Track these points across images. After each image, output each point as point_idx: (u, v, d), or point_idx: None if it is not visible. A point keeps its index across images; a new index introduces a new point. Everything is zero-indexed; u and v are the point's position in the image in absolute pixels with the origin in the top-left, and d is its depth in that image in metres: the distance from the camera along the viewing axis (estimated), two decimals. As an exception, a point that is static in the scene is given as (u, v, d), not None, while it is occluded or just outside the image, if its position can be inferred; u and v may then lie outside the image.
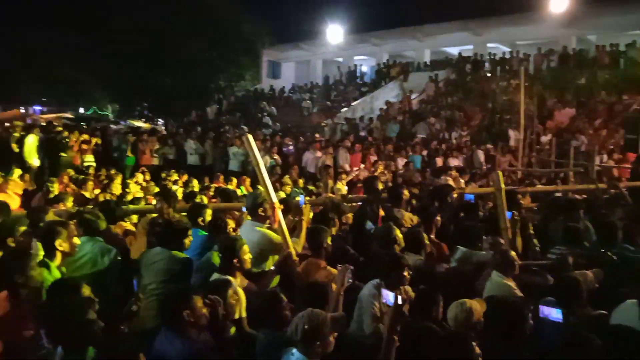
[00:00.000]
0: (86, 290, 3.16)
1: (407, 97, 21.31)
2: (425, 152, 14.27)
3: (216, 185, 9.81)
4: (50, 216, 4.47)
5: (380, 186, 6.61)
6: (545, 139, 14.16)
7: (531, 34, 22.26)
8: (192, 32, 27.55)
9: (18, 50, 34.18)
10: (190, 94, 28.12)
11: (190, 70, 28.18)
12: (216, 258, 4.14)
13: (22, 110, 32.21)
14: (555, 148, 12.73)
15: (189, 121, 23.03)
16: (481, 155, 13.84)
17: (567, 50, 20.05)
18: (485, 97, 18.90)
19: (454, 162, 13.04)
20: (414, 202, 6.77)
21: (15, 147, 12.42)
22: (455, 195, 6.88)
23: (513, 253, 4.31)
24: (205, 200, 7.49)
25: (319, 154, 13.41)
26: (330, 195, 7.07)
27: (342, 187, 10.02)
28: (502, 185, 5.14)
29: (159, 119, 29.30)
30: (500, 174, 5.28)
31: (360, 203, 6.41)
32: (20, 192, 8.96)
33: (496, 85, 19.60)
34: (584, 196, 7.80)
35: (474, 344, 2.77)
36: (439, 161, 13.40)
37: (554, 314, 3.15)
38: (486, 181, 10.75)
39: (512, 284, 4.02)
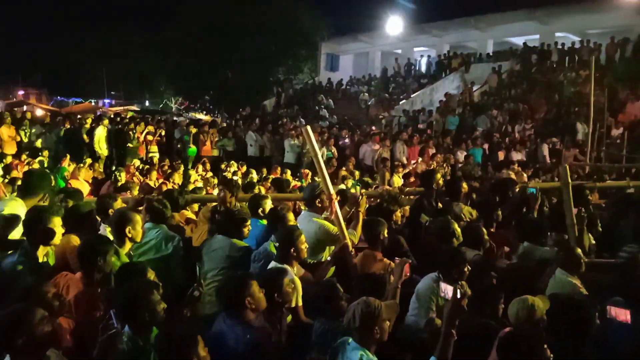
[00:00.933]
0: (151, 275, 3.30)
1: (468, 88, 20.74)
2: (486, 146, 13.88)
3: (273, 176, 9.98)
4: (119, 203, 4.69)
5: (439, 180, 6.49)
6: (616, 132, 13.41)
7: (603, 22, 21.02)
8: (254, 27, 28.05)
9: (90, 47, 36.16)
10: (250, 87, 28.65)
11: (250, 64, 28.70)
12: (272, 248, 4.21)
13: (93, 103, 33.96)
14: (627, 142, 12.01)
15: (248, 114, 23.47)
16: (545, 149, 13.31)
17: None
18: (552, 89, 18.09)
19: (517, 156, 12.61)
20: (474, 196, 6.60)
21: (86, 138, 13.13)
22: (517, 190, 6.65)
23: (579, 250, 4.13)
24: (263, 190, 7.63)
25: (376, 146, 13.33)
26: (387, 187, 7.02)
27: (399, 180, 9.91)
28: (569, 180, 4.92)
29: (220, 112, 30.07)
30: (567, 168, 5.06)
31: (417, 196, 6.32)
32: (90, 180, 9.48)
33: (564, 76, 18.71)
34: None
35: (545, 345, 2.67)
36: (501, 155, 12.99)
37: (622, 315, 3.00)
38: (550, 176, 10.32)
39: (577, 282, 3.86)
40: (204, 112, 32.02)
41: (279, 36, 28.92)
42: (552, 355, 2.65)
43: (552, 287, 3.86)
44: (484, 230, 4.90)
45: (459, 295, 2.82)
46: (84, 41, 36.54)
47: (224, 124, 18.66)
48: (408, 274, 3.74)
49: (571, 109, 16.01)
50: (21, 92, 36.86)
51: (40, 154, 11.88)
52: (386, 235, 4.47)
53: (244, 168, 11.19)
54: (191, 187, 8.83)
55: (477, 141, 13.87)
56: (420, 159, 12.34)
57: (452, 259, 3.80)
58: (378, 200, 6.13)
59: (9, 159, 11.08)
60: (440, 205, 5.81)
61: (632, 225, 5.11)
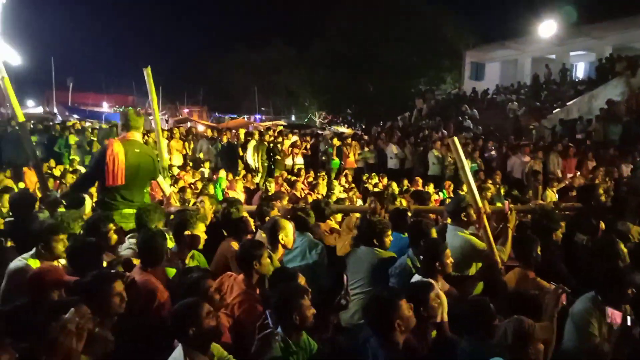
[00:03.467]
0: (302, 280, 3.49)
1: (635, 94, 18.58)
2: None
3: (414, 188, 9.89)
4: (275, 212, 5.03)
5: (601, 195, 5.91)
6: None
7: None
8: (396, 38, 28.24)
9: (245, 65, 39.38)
10: (391, 99, 28.79)
11: (391, 76, 28.88)
12: (409, 262, 4.17)
13: (245, 119, 36.80)
14: None
15: (390, 126, 23.57)
16: None
17: None
18: None
19: (697, 169, 10.98)
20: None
21: (240, 151, 14.26)
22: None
23: None
24: (405, 203, 7.61)
25: (526, 158, 12.53)
26: (541, 202, 6.57)
27: (553, 195, 9.21)
28: None
29: (362, 124, 30.66)
30: None
31: (574, 213, 5.82)
32: (243, 190, 10.27)
33: None
34: None
35: None
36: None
37: None
38: None
39: None
40: (346, 125, 32.89)
41: (421, 46, 28.69)
42: None
43: None
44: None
45: (629, 323, 2.55)
46: (239, 59, 39.92)
47: (366, 137, 18.97)
48: (564, 303, 3.45)
49: None
50: (186, 110, 41.30)
51: (202, 165, 13.19)
52: (539, 253, 4.19)
53: (385, 180, 11.25)
54: (334, 198, 9.12)
55: (646, 152, 12.35)
56: (577, 173, 11.32)
57: (615, 279, 3.42)
58: (529, 216, 5.76)
59: (175, 170, 12.47)
60: (602, 224, 5.28)
61: None
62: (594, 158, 12.16)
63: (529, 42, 26.70)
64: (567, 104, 20.68)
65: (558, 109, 20.38)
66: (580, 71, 25.99)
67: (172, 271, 3.84)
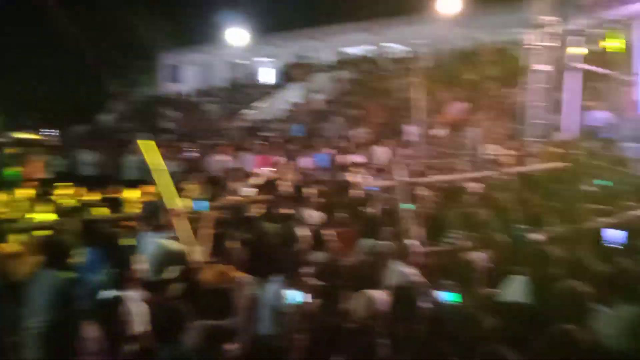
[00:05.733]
0: None
1: (311, 97, 21.55)
2: (330, 151, 14.44)
3: (110, 195, 9.27)
4: None
5: (286, 187, 6.58)
6: (440, 132, 14.89)
7: (426, 33, 23.34)
8: (86, 40, 26.09)
9: None
10: (83, 101, 26.62)
11: (79, 78, 26.79)
12: (103, 276, 3.85)
13: None
14: (450, 140, 13.44)
15: (84, 130, 21.71)
16: (383, 150, 14.26)
17: (458, 48, 21.31)
18: (385, 95, 19.55)
19: (358, 158, 13.30)
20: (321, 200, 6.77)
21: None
22: (357, 190, 7.01)
23: (412, 241, 4.45)
24: (104, 211, 7.03)
25: (224, 157, 13.14)
26: (234, 197, 6.93)
27: (248, 190, 9.85)
28: (403, 178, 5.29)
29: (49, 130, 27.42)
30: (401, 167, 5.45)
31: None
32: None
33: (394, 83, 20.33)
34: (478, 183, 8.24)
35: (378, 337, 2.77)
36: (344, 158, 13.60)
37: (448, 297, 3.28)
38: (390, 176, 11.03)
39: (411, 270, 4.14)
40: (31, 131, 28.90)
41: (114, 48, 27.23)
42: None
43: (389, 278, 4.10)
44: (329, 231, 5.06)
45: (306, 300, 2.84)
46: None
47: (55, 143, 17.02)
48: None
49: (402, 113, 17.41)
50: None
51: None
52: (234, 247, 4.37)
53: (72, 190, 10.20)
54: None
55: (322, 147, 14.38)
56: (266, 168, 12.41)
57: (295, 262, 3.83)
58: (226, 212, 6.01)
59: None
60: (287, 211, 5.86)
61: (459, 215, 5.64)
62: (279, 154, 13.56)
63: (221, 47, 28.22)
64: (258, 105, 22.72)
65: (250, 110, 22.19)
66: (268, 76, 28.79)
67: None
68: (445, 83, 18.53)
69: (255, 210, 6.25)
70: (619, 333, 2.86)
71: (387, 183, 8.86)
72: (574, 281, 3.19)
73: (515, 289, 3.60)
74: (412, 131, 14.55)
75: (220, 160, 13.08)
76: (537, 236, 4.88)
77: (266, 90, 25.04)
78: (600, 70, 10.97)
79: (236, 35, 26.76)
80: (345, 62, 25.21)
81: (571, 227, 5.21)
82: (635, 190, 6.99)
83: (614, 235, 4.48)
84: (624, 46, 9.80)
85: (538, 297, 3.41)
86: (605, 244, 4.63)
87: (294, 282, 3.57)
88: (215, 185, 11.33)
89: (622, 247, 4.48)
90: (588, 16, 10.37)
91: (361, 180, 8.93)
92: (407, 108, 16.94)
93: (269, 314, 3.70)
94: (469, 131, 14.12)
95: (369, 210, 6.18)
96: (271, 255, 4.64)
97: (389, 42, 24.86)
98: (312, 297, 2.92)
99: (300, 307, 2.80)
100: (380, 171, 11.11)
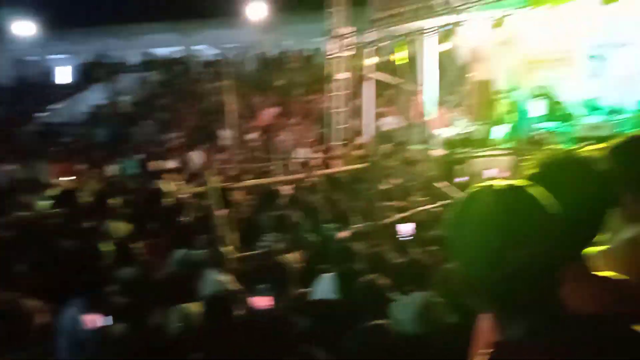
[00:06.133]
0: None
1: (116, 99, 20.12)
2: (140, 156, 13.70)
3: None
4: None
5: (90, 197, 6.00)
6: (253, 136, 15.16)
7: (236, 37, 23.48)
8: None
9: None
10: None
11: None
12: None
13: None
14: (263, 144, 13.76)
15: None
16: (197, 155, 14.00)
17: (268, 54, 21.89)
18: (197, 99, 19.19)
19: (171, 164, 12.85)
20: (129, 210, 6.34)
21: None
22: (171, 198, 6.72)
23: (227, 248, 4.41)
24: None
25: (11, 167, 11.55)
26: (26, 213, 6.11)
27: (44, 204, 8.78)
28: (216, 183, 5.21)
29: None
30: (214, 172, 5.37)
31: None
32: None
33: (206, 87, 20.07)
34: (290, 186, 8.55)
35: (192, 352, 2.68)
36: (155, 164, 13.02)
37: (262, 301, 3.33)
38: (203, 181, 10.85)
39: (227, 278, 4.10)
40: None
41: None
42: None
43: (205, 287, 4.00)
44: (140, 243, 4.75)
45: (107, 322, 2.61)
46: None
47: None
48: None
49: (214, 117, 17.29)
50: None
51: None
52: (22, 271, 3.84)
53: None
54: None
55: (130, 152, 13.56)
56: (66, 177, 11.25)
57: (98, 281, 3.51)
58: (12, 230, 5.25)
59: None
60: (89, 225, 5.35)
61: (271, 217, 5.77)
62: (81, 161, 12.41)
63: (8, 42, 24.66)
64: (52, 108, 20.45)
65: (43, 113, 19.87)
66: (64, 75, 25.93)
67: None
68: (256, 88, 18.93)
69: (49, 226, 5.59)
70: (412, 318, 3.18)
71: (200, 189, 8.71)
72: (373, 274, 3.48)
73: (324, 287, 3.79)
74: (226, 135, 14.56)
75: (8, 171, 11.49)
76: (343, 233, 5.25)
77: (63, 91, 22.67)
78: (390, 79, 12.29)
79: (25, 28, 23.61)
80: (153, 63, 24.12)
81: (371, 223, 5.70)
82: (422, 187, 7.98)
83: (406, 229, 5.03)
84: (406, 59, 11.07)
85: (344, 293, 3.64)
86: (399, 237, 5.18)
87: (96, 304, 3.25)
88: (3, 198, 9.92)
89: (412, 239, 5.05)
90: (379, 30, 11.52)
91: (174, 187, 8.61)
92: (220, 112, 16.93)
93: (67, 342, 3.32)
94: (281, 135, 14.65)
95: (182, 218, 5.98)
96: (69, 276, 4.19)
97: (198, 44, 24.41)
98: (117, 318, 2.69)
99: (100, 331, 2.55)
100: (194, 177, 10.88)
